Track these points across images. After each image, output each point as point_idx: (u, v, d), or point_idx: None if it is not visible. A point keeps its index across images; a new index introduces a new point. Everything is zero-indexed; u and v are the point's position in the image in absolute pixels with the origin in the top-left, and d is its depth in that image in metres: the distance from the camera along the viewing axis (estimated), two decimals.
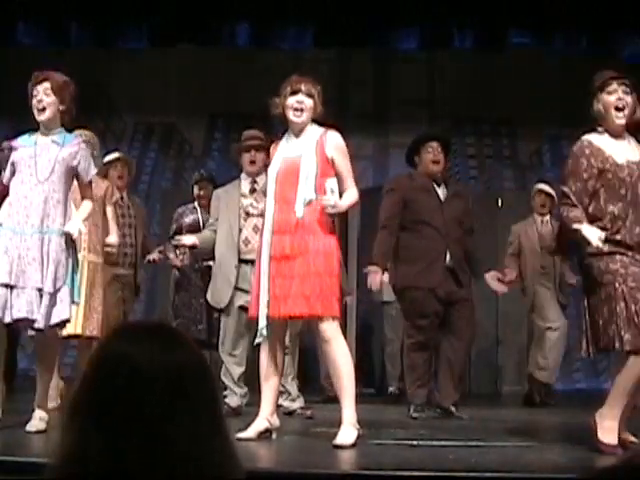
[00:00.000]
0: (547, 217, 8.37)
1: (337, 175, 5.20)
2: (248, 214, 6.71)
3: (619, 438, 4.91)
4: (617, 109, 4.90)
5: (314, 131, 5.26)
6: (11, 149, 5.59)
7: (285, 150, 5.25)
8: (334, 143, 5.22)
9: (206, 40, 9.63)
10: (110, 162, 7.62)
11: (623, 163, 4.86)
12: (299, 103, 5.21)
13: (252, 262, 6.04)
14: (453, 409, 6.80)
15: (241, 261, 6.65)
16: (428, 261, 6.63)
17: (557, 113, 10.00)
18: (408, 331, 6.87)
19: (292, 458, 4.91)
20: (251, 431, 5.20)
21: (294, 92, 5.23)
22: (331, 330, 5.06)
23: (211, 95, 10.42)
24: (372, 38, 9.66)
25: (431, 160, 6.75)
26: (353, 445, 5.00)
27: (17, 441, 5.07)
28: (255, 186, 6.79)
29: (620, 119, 4.91)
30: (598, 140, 4.93)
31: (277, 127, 10.40)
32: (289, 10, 9.26)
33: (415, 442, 5.26)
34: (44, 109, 5.45)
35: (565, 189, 4.90)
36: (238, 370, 6.74)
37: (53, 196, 5.38)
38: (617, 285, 4.75)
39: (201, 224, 8.04)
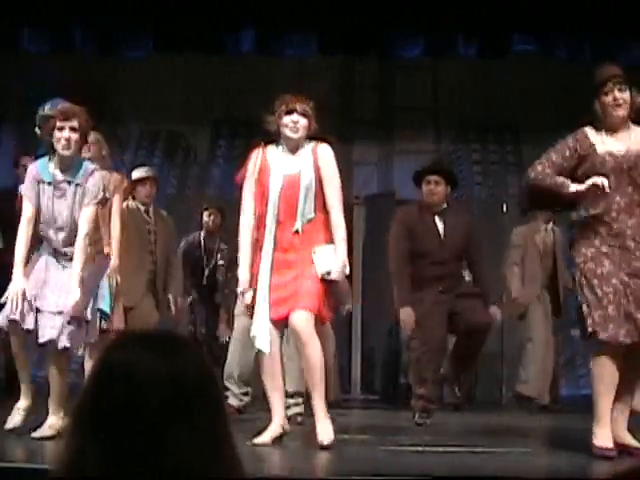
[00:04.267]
0: (550, 224, 8.35)
1: (325, 190, 5.33)
2: None
3: (621, 444, 4.95)
4: (615, 106, 5.06)
5: (308, 146, 5.41)
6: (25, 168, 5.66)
7: (284, 166, 5.37)
8: (322, 156, 5.37)
9: (211, 47, 9.64)
10: (139, 180, 7.54)
11: (601, 152, 5.05)
12: (294, 123, 5.34)
13: None
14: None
15: None
16: (424, 291, 6.65)
17: (561, 119, 10.00)
18: (411, 344, 6.89)
19: (296, 464, 4.92)
20: (267, 436, 5.24)
21: (289, 112, 5.35)
22: (308, 327, 5.17)
23: (216, 102, 10.43)
24: (376, 45, 9.66)
25: (427, 193, 6.82)
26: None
27: (25, 447, 5.08)
28: None
29: (618, 112, 5.07)
30: (591, 131, 5.13)
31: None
32: (294, 17, 9.27)
33: (420, 448, 5.27)
34: (70, 146, 5.46)
35: (546, 154, 5.15)
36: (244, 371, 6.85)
37: (76, 234, 5.45)
38: (580, 274, 5.01)
39: (205, 260, 8.13)
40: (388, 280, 8.53)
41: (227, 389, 6.85)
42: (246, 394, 6.90)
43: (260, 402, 7.27)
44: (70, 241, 5.44)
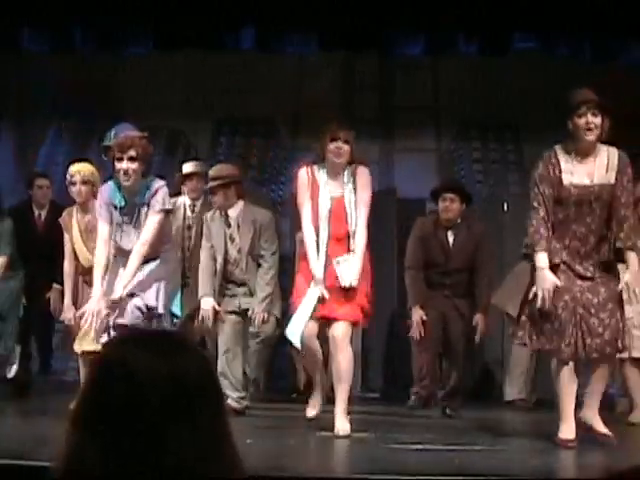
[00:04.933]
0: None
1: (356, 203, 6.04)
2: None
3: (590, 427, 5.50)
4: (586, 130, 5.41)
5: (349, 169, 6.08)
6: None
7: (330, 188, 6.04)
8: (361, 177, 6.07)
9: (211, 44, 9.64)
10: (188, 175, 7.55)
11: (567, 184, 5.45)
12: (338, 149, 6.01)
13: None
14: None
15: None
16: (431, 294, 7.34)
17: (561, 117, 9.99)
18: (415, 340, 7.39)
19: (296, 462, 4.92)
20: (314, 409, 6.25)
21: (333, 139, 6.01)
22: (346, 336, 5.96)
23: (216, 100, 10.43)
24: (377, 44, 9.66)
25: (442, 209, 7.37)
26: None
27: (26, 445, 5.08)
28: (230, 220, 7.11)
29: (589, 136, 5.42)
30: (561, 154, 5.51)
31: (282, 132, 10.47)
32: (294, 15, 9.27)
33: (420, 446, 5.28)
34: (129, 176, 5.63)
35: (537, 192, 5.48)
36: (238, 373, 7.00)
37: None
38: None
39: None
40: (389, 279, 8.61)
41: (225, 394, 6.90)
42: (243, 398, 7.00)
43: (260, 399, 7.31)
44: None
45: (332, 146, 6.02)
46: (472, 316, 7.28)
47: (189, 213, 7.50)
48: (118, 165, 5.58)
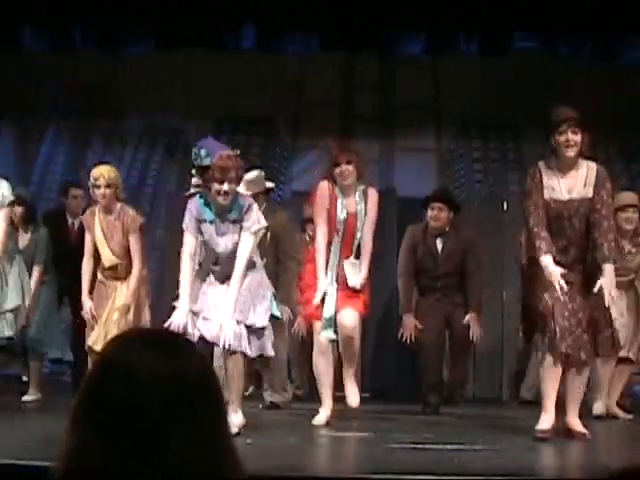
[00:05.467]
0: None
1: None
2: None
3: (570, 429, 5.69)
4: (567, 147, 5.70)
5: (360, 189, 6.55)
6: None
7: (345, 204, 6.52)
8: (371, 199, 6.56)
9: (212, 44, 9.65)
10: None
11: (547, 198, 5.73)
12: (342, 172, 6.46)
13: None
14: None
15: None
16: (423, 297, 7.73)
17: None
18: (417, 346, 7.63)
19: (297, 462, 4.92)
20: (322, 417, 6.31)
21: (336, 165, 6.47)
22: (354, 322, 6.43)
23: (217, 99, 10.44)
24: (377, 42, 9.67)
25: (431, 217, 7.70)
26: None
27: (26, 445, 5.09)
28: None
29: (569, 153, 5.71)
30: (545, 171, 5.78)
31: (282, 132, 10.48)
32: (295, 15, 9.28)
33: (420, 446, 5.28)
34: (228, 196, 5.75)
35: (527, 204, 5.78)
36: None
37: (233, 262, 5.85)
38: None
39: None
40: (389, 278, 8.63)
41: None
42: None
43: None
44: (230, 270, 5.79)
45: (337, 170, 6.47)
46: (466, 312, 7.53)
47: None
48: (218, 187, 5.72)
